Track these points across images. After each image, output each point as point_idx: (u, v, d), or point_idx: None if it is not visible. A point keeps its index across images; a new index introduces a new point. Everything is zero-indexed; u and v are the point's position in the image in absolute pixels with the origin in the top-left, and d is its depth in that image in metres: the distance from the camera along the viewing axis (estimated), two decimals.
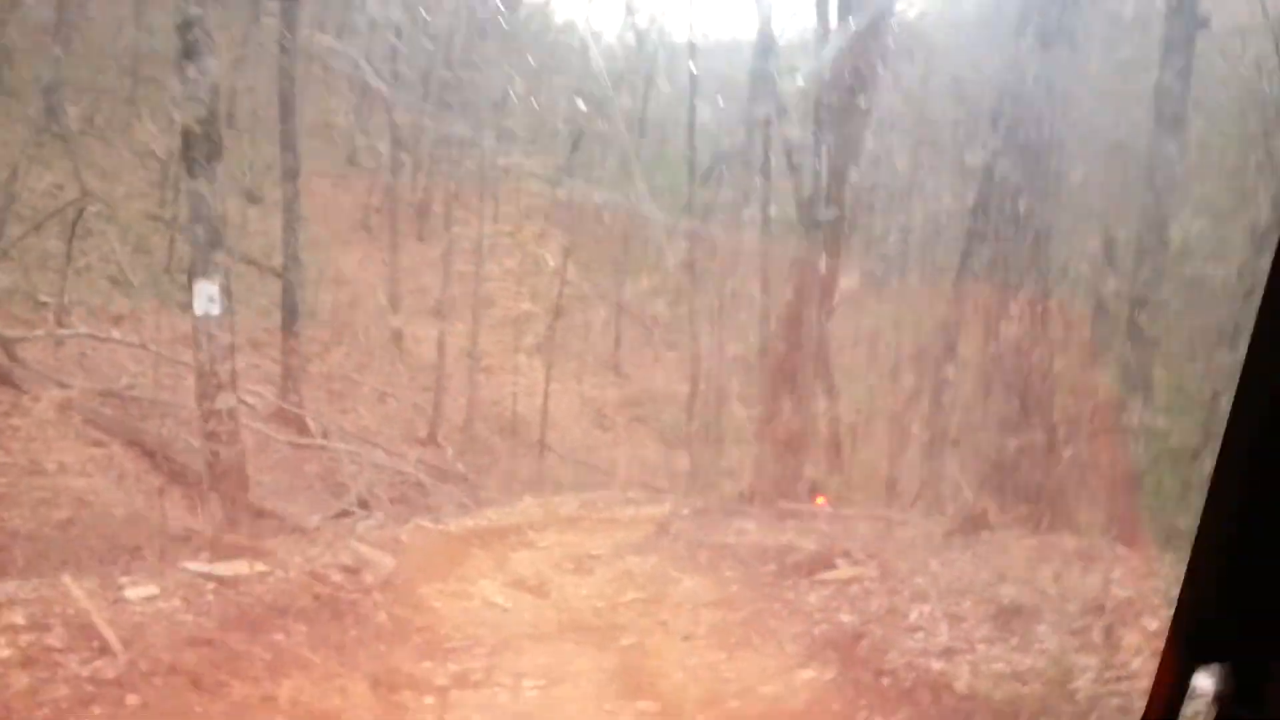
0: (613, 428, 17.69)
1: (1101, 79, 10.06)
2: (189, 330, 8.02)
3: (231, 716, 4.25)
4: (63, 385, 10.46)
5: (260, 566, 6.18)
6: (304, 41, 15.51)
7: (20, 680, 3.86)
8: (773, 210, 13.32)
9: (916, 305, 14.16)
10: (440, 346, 15.31)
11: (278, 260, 14.09)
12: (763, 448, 11.48)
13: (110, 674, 4.13)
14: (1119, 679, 4.07)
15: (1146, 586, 5.75)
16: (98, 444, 9.85)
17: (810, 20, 12.94)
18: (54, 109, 14.36)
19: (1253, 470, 1.35)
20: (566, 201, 19.30)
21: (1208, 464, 1.51)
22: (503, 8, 18.64)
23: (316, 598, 6.14)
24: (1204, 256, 9.50)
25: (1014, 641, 5.06)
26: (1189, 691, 1.42)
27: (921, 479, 10.91)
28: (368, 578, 6.93)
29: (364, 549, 7.77)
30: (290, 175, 13.51)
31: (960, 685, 4.67)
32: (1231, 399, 1.35)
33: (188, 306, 7.93)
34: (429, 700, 5.28)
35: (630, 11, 23.52)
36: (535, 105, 18.59)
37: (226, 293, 7.67)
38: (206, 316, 7.43)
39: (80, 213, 13.20)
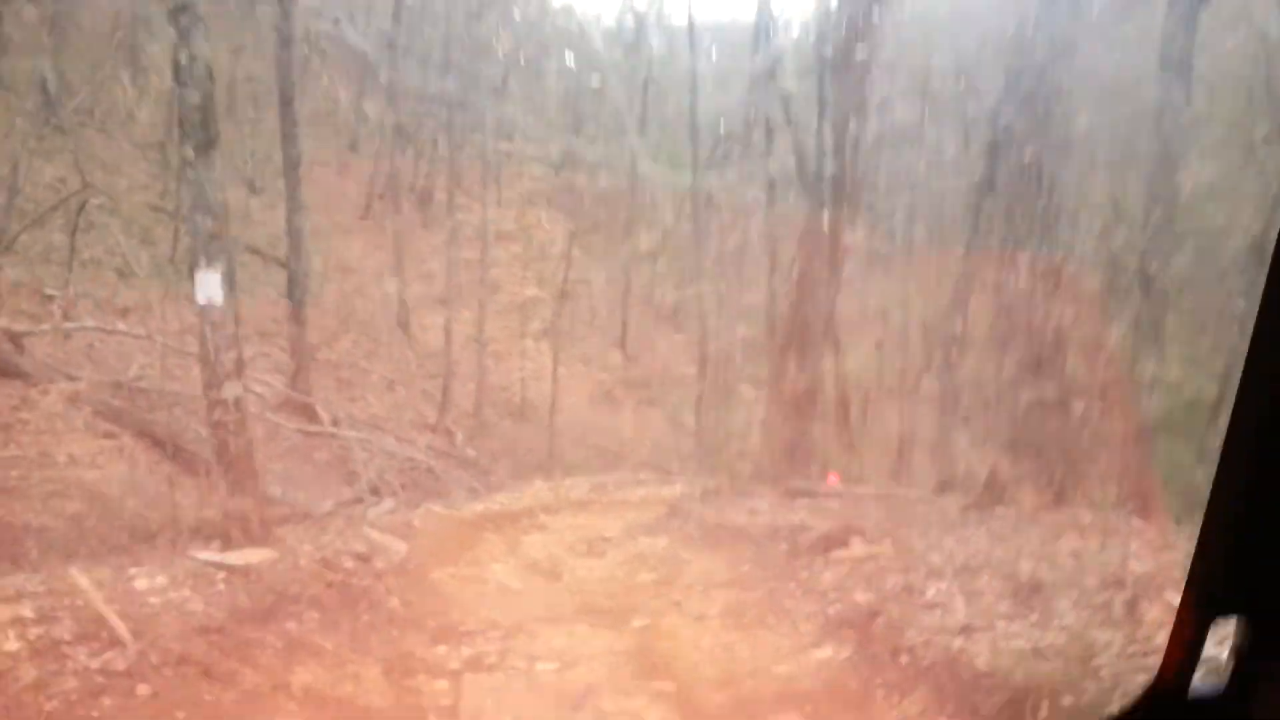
0: (622, 410, 17.63)
1: (1104, 23, 9.83)
2: (195, 320, 7.97)
3: (243, 705, 4.22)
4: (71, 378, 10.43)
5: (271, 554, 6.16)
6: (302, 29, 15.41)
7: (29, 673, 3.83)
8: (774, 165, 13.11)
9: (923, 260, 13.98)
10: (447, 333, 15.25)
11: (282, 250, 14.04)
12: (773, 410, 11.35)
13: (120, 665, 4.10)
14: (1144, 654, 3.99)
15: (1166, 559, 5.68)
16: (108, 436, 9.82)
17: None
18: (52, 102, 14.30)
19: (1268, 424, 1.32)
20: (569, 185, 19.20)
21: (1224, 417, 1.46)
22: None
23: (328, 585, 6.12)
24: (1214, 202, 9.33)
25: (1034, 618, 5.00)
26: (1206, 644, 1.42)
27: (931, 441, 10.81)
28: (379, 564, 6.91)
29: (376, 535, 7.76)
30: (292, 165, 13.43)
31: (980, 662, 4.60)
32: (1246, 350, 1.32)
33: (193, 297, 7.87)
34: (442, 684, 5.26)
35: None
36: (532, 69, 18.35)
37: (229, 282, 7.61)
38: (210, 306, 7.36)
39: (83, 205, 13.15)
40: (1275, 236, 1.25)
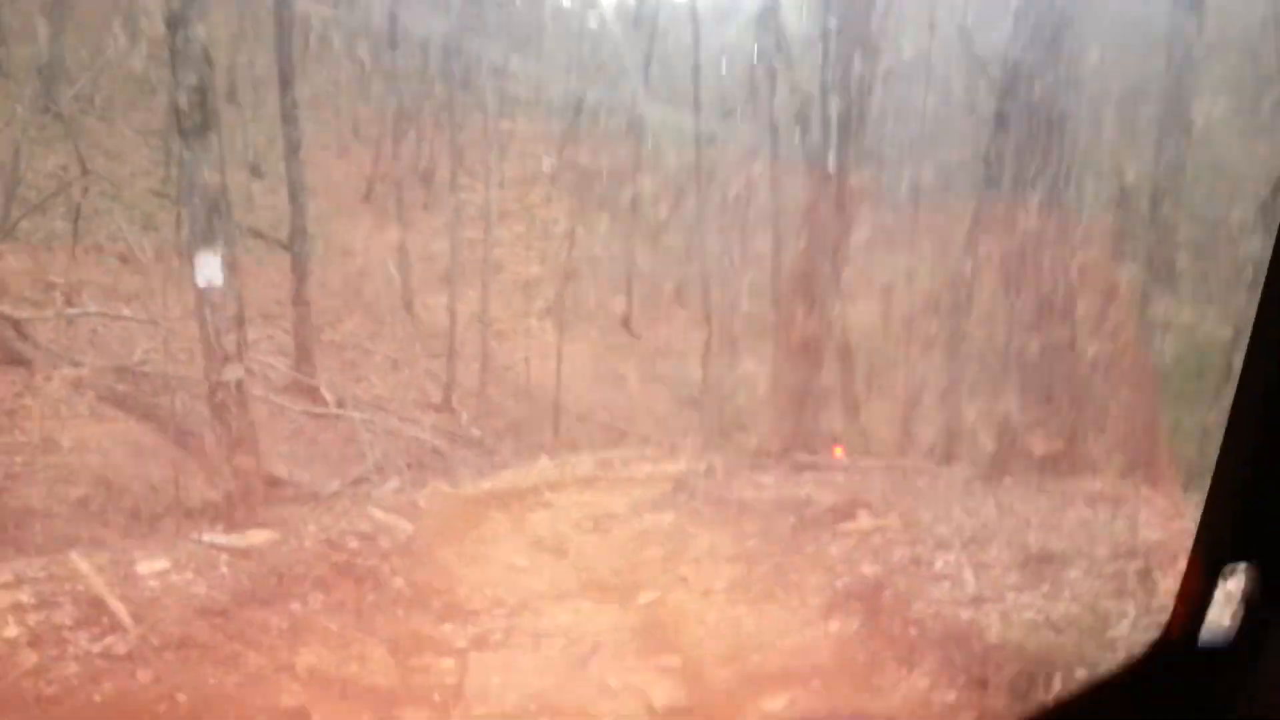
0: (626, 386, 17.57)
1: None
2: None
3: (246, 688, 4.20)
4: (75, 363, 10.42)
5: (275, 536, 6.14)
6: (301, 11, 15.28)
7: (29, 659, 3.80)
8: (778, 104, 12.87)
9: (931, 201, 13.75)
10: (451, 313, 15.20)
11: (285, 233, 14.00)
12: (780, 362, 11.20)
13: (121, 649, 4.08)
14: (1160, 626, 3.92)
15: (1176, 527, 5.61)
16: (112, 420, 9.82)
17: None
18: (51, 89, 14.24)
19: None
20: (572, 162, 19.06)
21: (1238, 358, 1.40)
22: None
23: (333, 565, 6.10)
24: (1227, 137, 9.12)
25: (1045, 589, 4.94)
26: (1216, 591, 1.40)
27: (941, 391, 10.66)
28: (385, 543, 6.89)
29: (381, 515, 7.74)
30: (293, 148, 13.40)
31: (991, 635, 4.55)
32: (1261, 290, 1.25)
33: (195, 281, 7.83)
34: (448, 663, 5.25)
35: None
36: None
37: (229, 264, 7.57)
38: (209, 288, 7.33)
39: (85, 192, 13.12)
40: None
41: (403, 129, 18.57)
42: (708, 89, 16.32)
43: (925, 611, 5.07)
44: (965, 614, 4.87)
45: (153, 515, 7.42)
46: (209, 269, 7.39)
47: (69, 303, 12.14)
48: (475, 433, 13.74)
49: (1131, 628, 4.05)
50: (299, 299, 12.95)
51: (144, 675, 3.99)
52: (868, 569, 6.04)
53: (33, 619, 4.08)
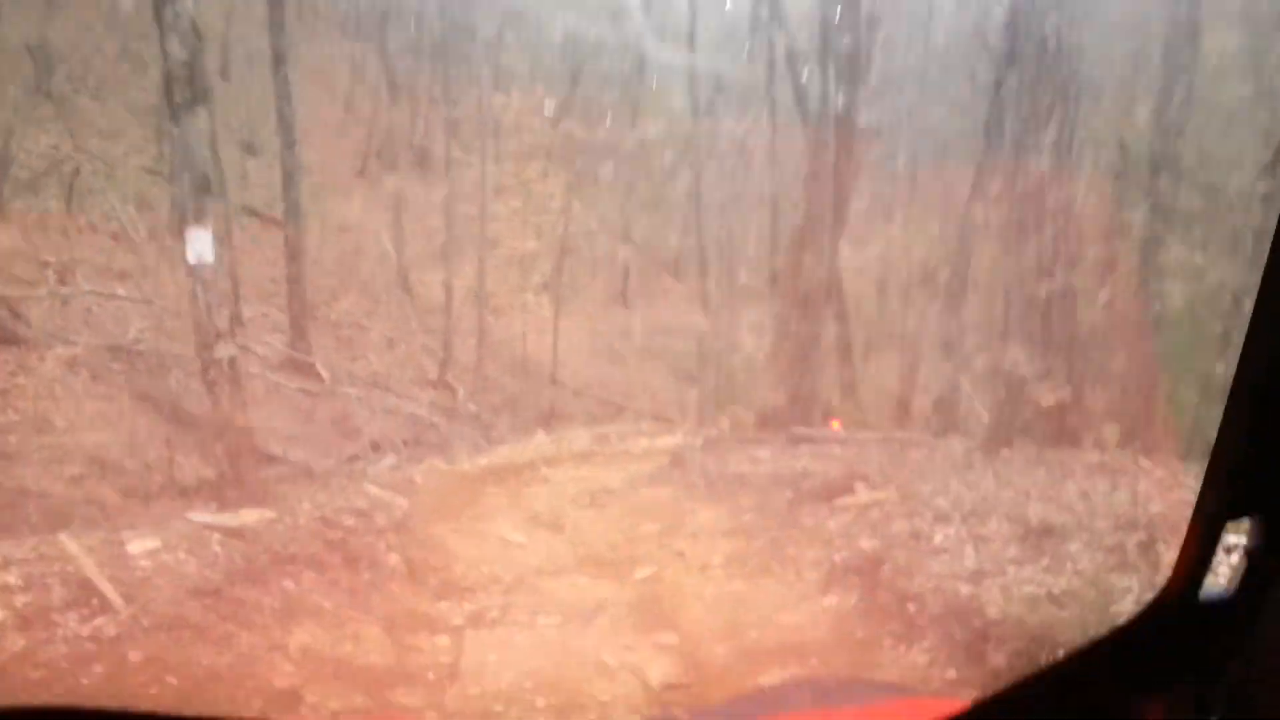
0: (623, 361, 17.51)
1: None
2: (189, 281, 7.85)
3: (238, 668, 4.15)
4: (68, 342, 10.36)
5: (269, 514, 6.08)
6: None
7: (16, 642, 3.75)
8: (780, 44, 12.63)
9: (938, 142, 13.53)
10: (447, 289, 15.12)
11: (279, 210, 13.89)
12: (780, 314, 11.06)
13: (111, 631, 4.03)
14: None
15: (1175, 498, 5.57)
16: (106, 399, 9.77)
17: None
18: (44, 68, 14.07)
19: None
20: (567, 135, 18.87)
21: (1248, 304, 1.33)
22: None
23: (328, 543, 6.04)
24: (1239, 73, 8.89)
25: (1045, 562, 4.89)
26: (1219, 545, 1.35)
27: (945, 338, 10.52)
28: (380, 520, 6.84)
29: (376, 491, 7.70)
30: (287, 124, 13.26)
31: (992, 610, 4.49)
32: (1274, 232, 1.18)
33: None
34: (444, 641, 5.21)
35: None
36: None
37: (221, 240, 7.48)
38: (200, 264, 7.24)
39: (77, 170, 13.01)
40: None
41: (397, 103, 18.39)
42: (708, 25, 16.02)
43: (924, 586, 5.03)
44: (965, 589, 4.83)
45: (146, 494, 7.37)
46: (200, 245, 7.29)
47: (62, 282, 12.05)
48: (472, 409, 13.69)
49: (1135, 602, 3.99)
50: (294, 276, 12.87)
51: (134, 657, 3.94)
52: (866, 543, 5.99)
53: (20, 601, 4.03)
